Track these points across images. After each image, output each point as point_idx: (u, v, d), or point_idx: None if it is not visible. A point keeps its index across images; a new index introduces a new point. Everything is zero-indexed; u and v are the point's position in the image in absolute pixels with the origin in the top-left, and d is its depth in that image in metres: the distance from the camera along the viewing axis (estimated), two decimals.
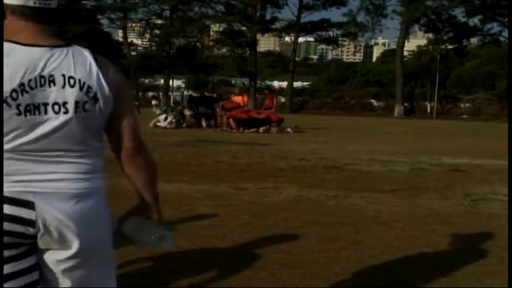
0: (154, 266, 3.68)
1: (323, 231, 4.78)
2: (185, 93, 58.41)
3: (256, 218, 5.20)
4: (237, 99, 20.16)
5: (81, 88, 1.63)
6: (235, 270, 3.64)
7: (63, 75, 1.61)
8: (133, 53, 52.95)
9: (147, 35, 49.98)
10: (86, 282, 1.71)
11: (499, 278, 3.60)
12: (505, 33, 42.11)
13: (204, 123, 19.26)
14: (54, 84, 1.60)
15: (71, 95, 1.62)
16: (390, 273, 3.73)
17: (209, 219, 5.14)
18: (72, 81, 1.62)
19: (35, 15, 1.64)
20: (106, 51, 49.26)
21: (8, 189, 1.57)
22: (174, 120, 19.20)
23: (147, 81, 59.51)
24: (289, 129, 18.14)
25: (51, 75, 1.60)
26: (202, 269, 3.64)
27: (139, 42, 59.03)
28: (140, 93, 41.53)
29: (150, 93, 53.46)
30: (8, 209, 1.57)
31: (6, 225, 1.57)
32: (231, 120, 18.11)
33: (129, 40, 53.93)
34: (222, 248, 4.16)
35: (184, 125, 19.19)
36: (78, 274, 1.70)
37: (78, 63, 1.64)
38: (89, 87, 1.64)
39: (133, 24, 52.18)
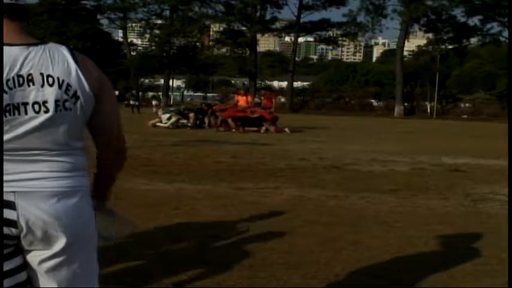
0: (153, 265, 3.68)
1: (323, 231, 4.78)
2: (185, 93, 58.57)
3: (256, 218, 5.20)
4: (241, 98, 20.34)
5: (60, 86, 1.61)
6: (235, 270, 3.64)
7: (42, 74, 1.59)
8: (133, 53, 52.94)
9: (147, 35, 49.94)
10: (69, 282, 1.70)
11: (499, 278, 3.60)
12: (505, 33, 42.08)
13: (206, 123, 19.33)
14: (33, 84, 1.58)
15: (50, 93, 1.60)
16: (390, 273, 3.73)
17: (209, 219, 5.14)
18: (50, 79, 1.60)
19: (8, 12, 1.61)
20: (106, 51, 49.38)
21: None
22: (175, 120, 19.19)
23: (147, 81, 59.50)
24: (286, 129, 18.15)
25: (29, 74, 1.57)
26: (202, 269, 3.64)
27: (139, 42, 59.03)
28: (140, 93, 41.46)
29: (150, 93, 53.47)
30: None
31: None
32: (230, 120, 18.17)
33: (129, 40, 53.93)
34: (222, 248, 4.16)
35: (188, 124, 19.15)
36: (62, 274, 1.68)
37: (56, 61, 1.62)
38: (68, 85, 1.62)
39: (133, 24, 52.16)
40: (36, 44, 1.62)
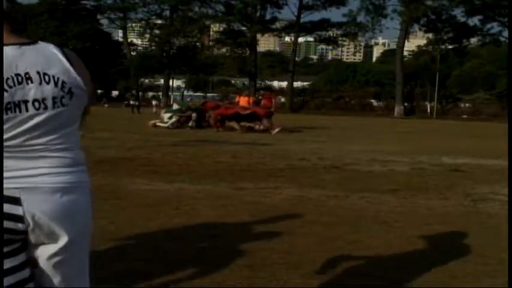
0: (153, 265, 3.67)
1: (323, 231, 4.78)
2: (185, 93, 58.59)
3: (256, 218, 5.20)
4: (243, 99, 20.43)
5: (56, 84, 1.66)
6: (235, 270, 3.64)
7: (38, 72, 1.64)
8: (133, 53, 52.96)
9: (147, 35, 49.97)
10: (72, 277, 1.74)
11: (499, 278, 3.60)
12: (505, 33, 42.12)
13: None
14: (32, 82, 1.63)
15: (48, 91, 1.65)
16: (390, 273, 3.72)
17: (209, 219, 5.14)
18: (47, 77, 1.65)
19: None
20: (106, 51, 49.41)
21: None
22: (175, 120, 19.16)
23: (147, 81, 59.55)
24: (277, 129, 17.85)
25: (26, 73, 1.62)
26: (202, 269, 3.64)
27: (139, 42, 59.06)
28: (140, 93, 41.46)
29: (150, 93, 53.50)
30: None
31: None
32: (233, 123, 18.18)
33: (129, 40, 53.96)
34: (222, 248, 4.16)
35: (189, 124, 19.10)
36: (65, 269, 1.72)
37: (49, 60, 1.67)
38: (64, 82, 1.68)
39: (133, 24, 52.21)
40: (28, 44, 1.67)
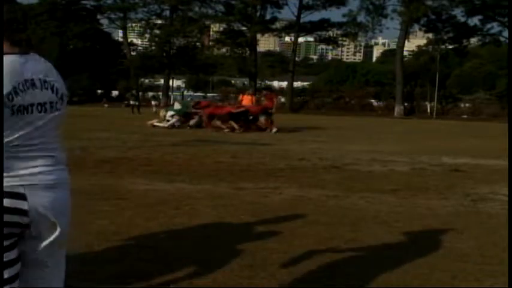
0: (153, 265, 3.68)
1: (323, 231, 4.78)
2: (185, 93, 58.55)
3: (256, 218, 5.20)
4: (246, 98, 20.42)
5: (52, 90, 1.86)
6: (235, 270, 3.64)
7: (40, 79, 1.83)
8: (133, 53, 52.87)
9: (147, 35, 49.87)
10: (61, 269, 1.92)
11: (499, 278, 3.60)
12: (505, 33, 42.06)
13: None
14: (36, 87, 1.81)
15: (47, 96, 1.84)
16: (390, 273, 3.73)
17: (209, 219, 5.14)
18: (46, 84, 1.84)
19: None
20: (106, 51, 49.36)
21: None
22: (175, 120, 19.11)
23: (147, 81, 59.45)
24: (274, 129, 17.81)
25: (32, 79, 1.80)
26: (202, 268, 3.64)
27: (139, 42, 58.97)
28: (140, 93, 41.40)
29: (150, 93, 53.43)
30: (4, 201, 1.73)
31: (5, 217, 1.73)
32: (233, 122, 18.15)
33: (129, 40, 53.87)
34: (222, 248, 4.16)
35: (190, 123, 19.05)
36: (55, 261, 1.88)
37: (46, 69, 1.87)
38: (57, 88, 1.88)
39: (133, 24, 52.09)
40: (27, 53, 1.83)
